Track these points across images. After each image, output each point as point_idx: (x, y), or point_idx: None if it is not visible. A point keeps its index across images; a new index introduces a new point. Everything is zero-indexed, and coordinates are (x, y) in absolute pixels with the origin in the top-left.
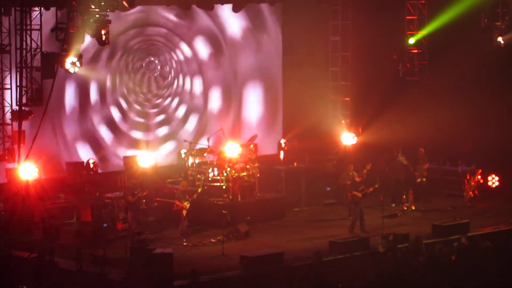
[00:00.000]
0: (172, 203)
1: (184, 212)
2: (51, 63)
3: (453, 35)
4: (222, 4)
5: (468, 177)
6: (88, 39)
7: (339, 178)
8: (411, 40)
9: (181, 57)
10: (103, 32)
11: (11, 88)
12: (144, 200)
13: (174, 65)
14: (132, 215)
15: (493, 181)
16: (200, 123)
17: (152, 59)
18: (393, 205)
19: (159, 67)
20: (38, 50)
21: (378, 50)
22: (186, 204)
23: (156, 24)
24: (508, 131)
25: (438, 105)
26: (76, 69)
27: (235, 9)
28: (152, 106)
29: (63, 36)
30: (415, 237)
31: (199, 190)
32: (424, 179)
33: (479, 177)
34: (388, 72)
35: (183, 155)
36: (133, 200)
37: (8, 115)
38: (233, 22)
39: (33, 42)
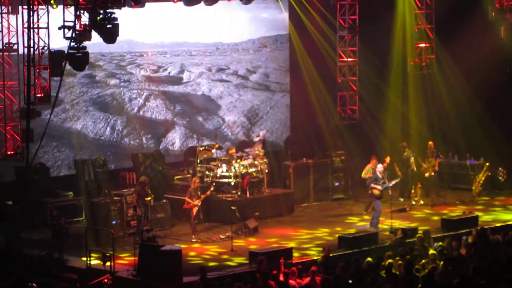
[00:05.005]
0: (182, 200)
1: (195, 210)
2: (59, 61)
3: (461, 29)
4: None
5: (476, 171)
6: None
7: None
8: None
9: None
10: (110, 29)
11: (19, 87)
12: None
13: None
14: (142, 212)
15: (502, 174)
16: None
17: None
18: (402, 199)
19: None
20: (46, 48)
21: (386, 45)
22: (198, 202)
23: None
24: None
25: (446, 99)
26: None
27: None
28: None
29: (70, 34)
30: (423, 231)
31: (212, 188)
32: (433, 173)
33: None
34: (396, 66)
35: None
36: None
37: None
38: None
39: (40, 40)
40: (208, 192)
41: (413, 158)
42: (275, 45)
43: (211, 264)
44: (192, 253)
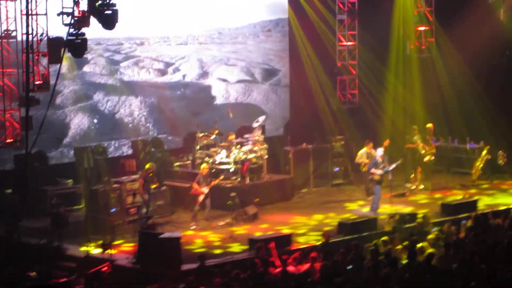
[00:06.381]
0: (181, 187)
1: (202, 197)
2: (58, 48)
3: (460, 11)
4: None
5: (476, 155)
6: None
7: (356, 157)
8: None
9: None
10: (109, 16)
11: (17, 74)
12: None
13: None
14: (144, 199)
15: (502, 157)
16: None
17: None
18: (409, 185)
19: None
20: (45, 35)
21: (385, 28)
22: (206, 189)
23: None
24: None
25: (446, 82)
26: None
27: None
28: None
29: (69, 20)
30: (422, 216)
31: (221, 177)
32: (433, 157)
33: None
34: (395, 50)
35: None
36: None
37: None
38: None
39: (39, 27)
40: (217, 180)
41: (421, 142)
42: (277, 29)
43: (208, 251)
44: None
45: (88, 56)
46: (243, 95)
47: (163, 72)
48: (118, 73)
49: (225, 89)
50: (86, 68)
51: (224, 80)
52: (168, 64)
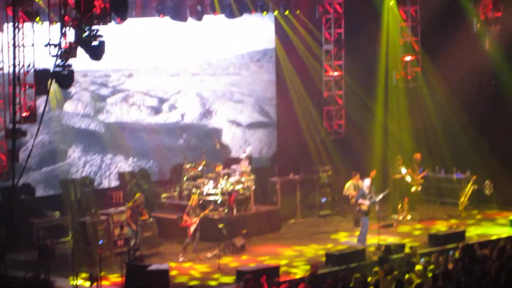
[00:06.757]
0: (169, 218)
1: (192, 228)
2: (45, 80)
3: (446, 41)
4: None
5: (463, 185)
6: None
7: (344, 189)
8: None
9: None
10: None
11: (4, 106)
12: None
13: None
14: (132, 229)
15: (489, 187)
16: None
17: None
18: (396, 216)
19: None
20: (31, 66)
21: (371, 58)
22: (196, 220)
23: None
24: (502, 136)
25: (433, 111)
26: None
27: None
28: None
29: (56, 51)
30: (410, 247)
31: (211, 207)
32: (420, 188)
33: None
34: (382, 80)
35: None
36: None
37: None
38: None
39: (26, 58)
40: (207, 211)
41: (407, 173)
42: (265, 59)
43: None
44: (174, 273)
45: (72, 90)
46: (230, 124)
47: (156, 110)
48: (104, 111)
49: (241, 135)
50: (67, 106)
51: (236, 123)
52: (162, 100)
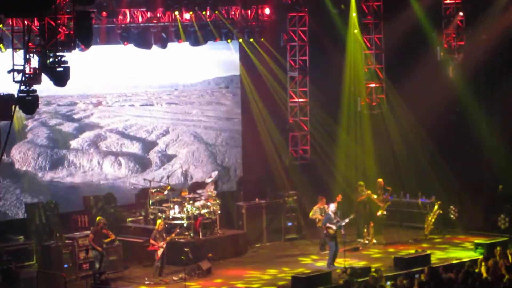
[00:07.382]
0: (135, 242)
1: (160, 251)
2: (8, 105)
3: (410, 68)
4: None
5: (428, 209)
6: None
7: (310, 213)
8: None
9: None
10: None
11: None
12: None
13: None
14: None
15: (453, 212)
16: None
17: None
18: (362, 240)
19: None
20: None
21: (336, 85)
22: (163, 244)
23: None
24: (466, 162)
25: (397, 138)
26: None
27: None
28: None
29: (20, 77)
30: (375, 270)
31: (177, 230)
32: (385, 212)
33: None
34: (346, 106)
35: None
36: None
37: None
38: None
39: None
40: (173, 234)
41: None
42: (231, 86)
43: None
44: None
45: (29, 123)
46: (195, 150)
47: (144, 167)
48: (65, 164)
49: (176, 144)
50: (15, 152)
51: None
52: (147, 144)
